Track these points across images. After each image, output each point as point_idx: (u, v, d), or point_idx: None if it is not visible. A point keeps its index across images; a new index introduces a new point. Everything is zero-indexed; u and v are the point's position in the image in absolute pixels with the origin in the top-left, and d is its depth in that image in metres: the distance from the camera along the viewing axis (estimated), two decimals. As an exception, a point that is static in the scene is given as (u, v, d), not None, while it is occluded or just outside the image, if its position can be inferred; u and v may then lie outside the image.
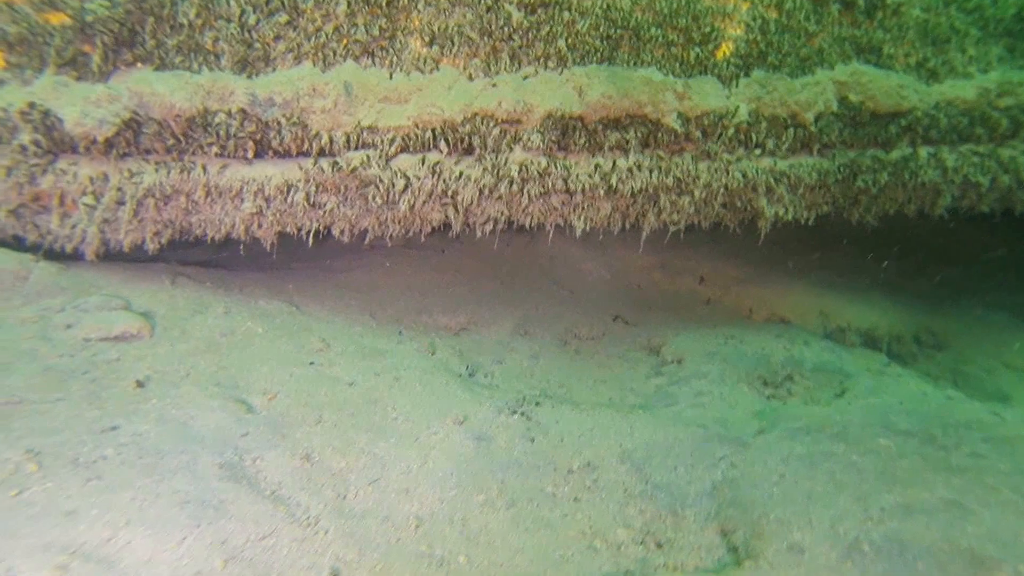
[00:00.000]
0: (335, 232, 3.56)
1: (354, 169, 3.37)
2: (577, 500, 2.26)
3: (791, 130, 4.00)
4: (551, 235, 4.05)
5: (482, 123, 3.59)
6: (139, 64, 3.21)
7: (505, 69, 3.71)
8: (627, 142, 3.85)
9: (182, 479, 1.95)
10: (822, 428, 2.71)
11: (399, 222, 3.65)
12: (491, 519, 2.09)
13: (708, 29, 4.01)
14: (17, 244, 3.17)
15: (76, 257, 3.29)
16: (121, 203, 3.13)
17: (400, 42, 3.59)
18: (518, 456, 2.53)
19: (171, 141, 3.18)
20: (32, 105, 2.94)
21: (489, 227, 3.83)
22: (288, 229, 3.51)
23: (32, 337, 2.70)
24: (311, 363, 3.09)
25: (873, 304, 5.05)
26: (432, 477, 2.25)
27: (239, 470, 2.07)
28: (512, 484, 2.32)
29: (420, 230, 3.76)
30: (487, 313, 4.42)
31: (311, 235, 3.50)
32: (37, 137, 2.95)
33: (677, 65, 3.97)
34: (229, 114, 3.23)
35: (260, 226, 3.43)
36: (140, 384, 2.56)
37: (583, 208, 3.92)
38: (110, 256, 3.40)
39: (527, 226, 3.93)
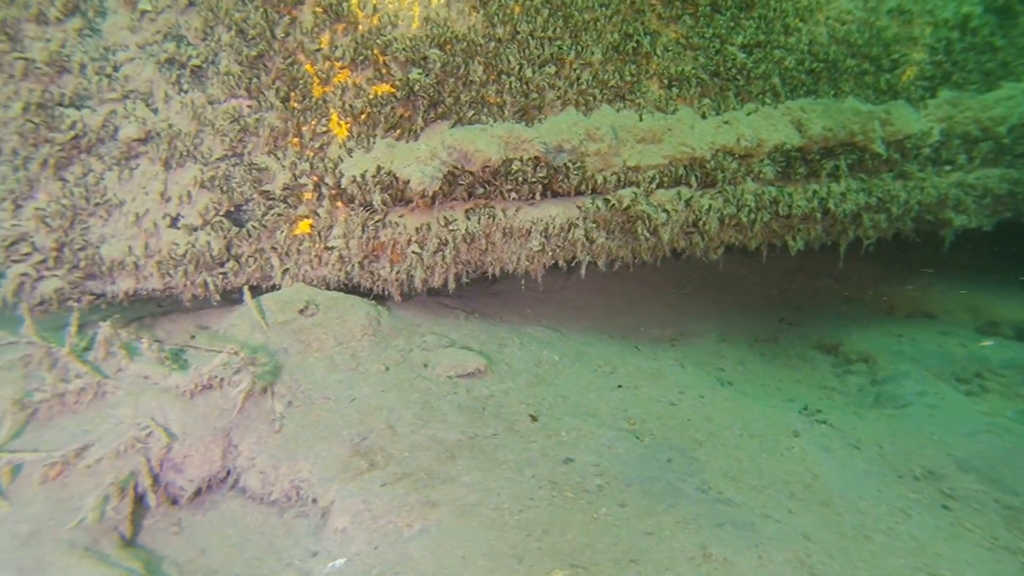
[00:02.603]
0: (600, 265, 3.90)
1: (627, 207, 3.71)
2: (947, 508, 2.65)
3: (983, 144, 4.42)
4: (764, 255, 4.42)
5: (724, 158, 3.94)
6: (439, 121, 3.53)
7: (732, 107, 4.07)
8: (838, 168, 4.23)
9: (689, 504, 2.31)
10: None
11: (649, 252, 4.00)
12: (899, 526, 2.47)
13: (896, 55, 4.40)
14: (349, 290, 3.48)
15: (384, 298, 3.61)
16: (439, 249, 3.45)
17: (644, 86, 3.93)
18: (862, 464, 2.92)
19: (480, 190, 3.50)
20: (379, 168, 3.26)
21: (720, 251, 4.20)
22: (559, 263, 3.85)
23: (415, 378, 3.03)
24: (619, 386, 3.45)
25: (1015, 298, 5.49)
26: (827, 489, 2.63)
27: (707, 492, 2.44)
28: (884, 492, 2.71)
29: (661, 257, 4.12)
30: (690, 324, 4.79)
31: (583, 267, 3.84)
32: (385, 196, 3.27)
33: (870, 92, 4.38)
34: (522, 161, 3.55)
35: (539, 261, 3.77)
36: (534, 418, 2.91)
37: (798, 230, 4.31)
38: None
39: (748, 249, 4.31)
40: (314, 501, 2.49)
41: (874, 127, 4.22)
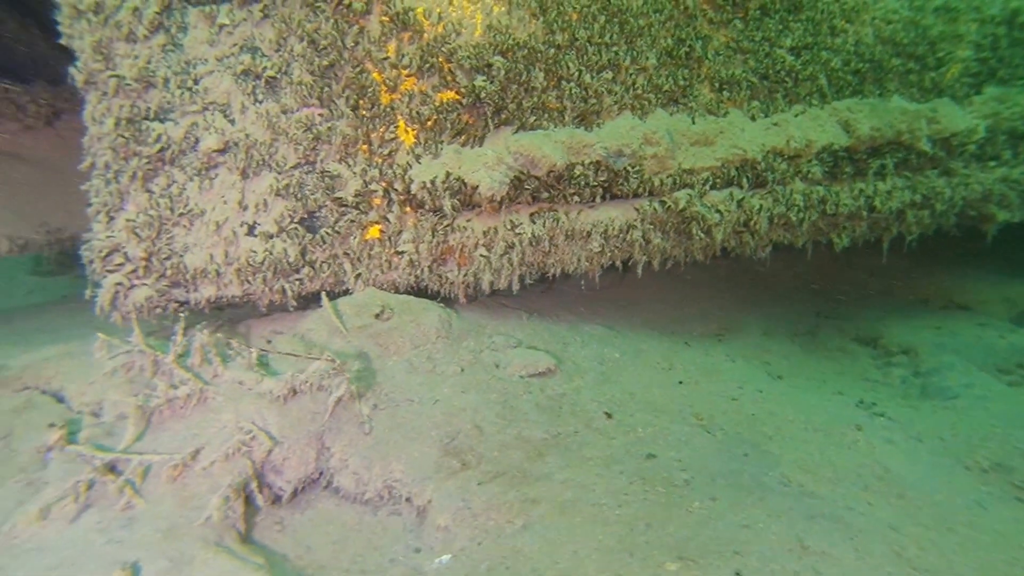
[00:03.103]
0: (654, 264, 3.99)
1: (682, 208, 3.80)
2: (1022, 501, 2.73)
3: (1031, 139, 4.50)
4: (810, 252, 4.50)
5: (774, 159, 4.02)
6: (502, 127, 3.62)
7: (781, 108, 4.15)
8: (884, 167, 4.30)
9: (776, 497, 2.42)
10: None
11: (702, 251, 4.08)
12: (978, 519, 2.56)
13: (941, 54, 4.47)
14: (417, 293, 3.58)
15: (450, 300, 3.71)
16: (505, 252, 3.54)
17: (696, 89, 4.01)
18: (928, 457, 3.02)
19: (544, 194, 3.59)
20: (448, 175, 3.35)
21: (768, 250, 4.28)
22: (616, 263, 3.94)
23: (490, 378, 3.13)
24: (680, 382, 3.54)
25: (1049, 290, 5.56)
26: (900, 481, 2.72)
27: (789, 485, 2.55)
28: (956, 484, 2.80)
29: (711, 256, 4.21)
30: (731, 319, 4.88)
31: (640, 267, 3.93)
32: (455, 202, 3.36)
33: (915, 91, 4.45)
34: (584, 165, 3.64)
35: (598, 262, 3.86)
36: (609, 416, 3.01)
37: (844, 227, 4.39)
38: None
39: (792, 246, 4.40)
40: (408, 500, 2.60)
41: (920, 126, 4.29)
